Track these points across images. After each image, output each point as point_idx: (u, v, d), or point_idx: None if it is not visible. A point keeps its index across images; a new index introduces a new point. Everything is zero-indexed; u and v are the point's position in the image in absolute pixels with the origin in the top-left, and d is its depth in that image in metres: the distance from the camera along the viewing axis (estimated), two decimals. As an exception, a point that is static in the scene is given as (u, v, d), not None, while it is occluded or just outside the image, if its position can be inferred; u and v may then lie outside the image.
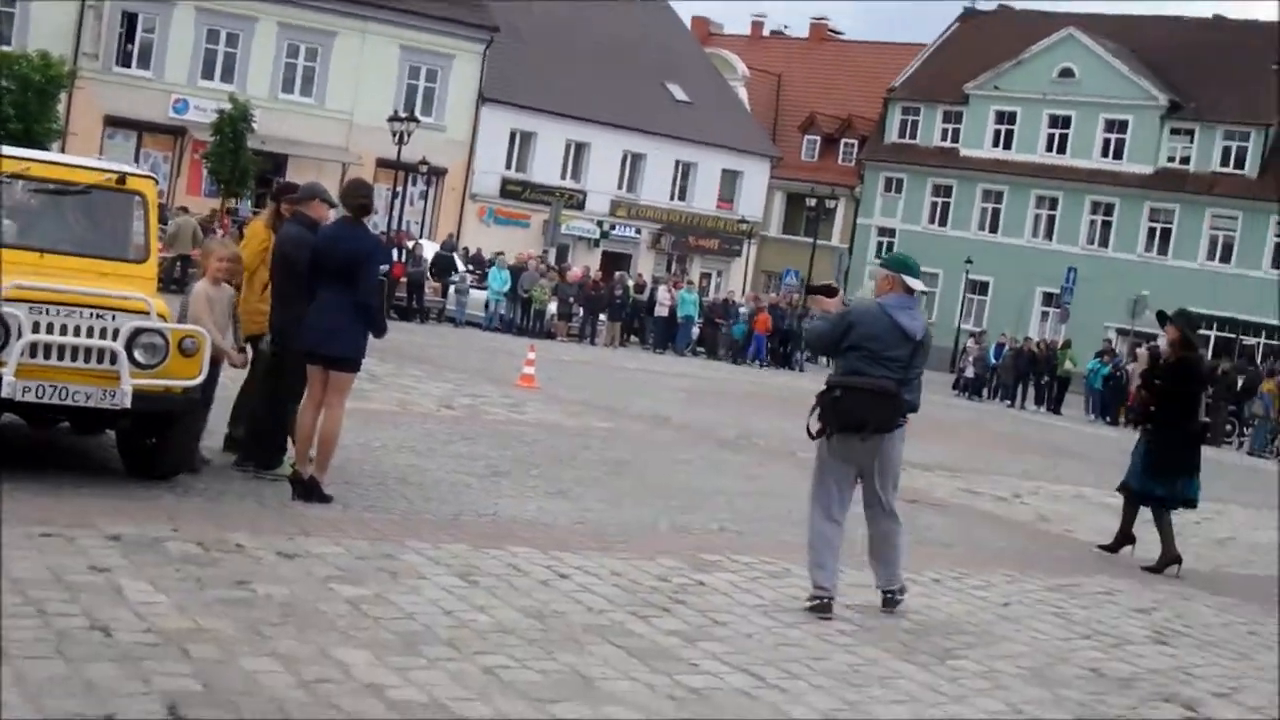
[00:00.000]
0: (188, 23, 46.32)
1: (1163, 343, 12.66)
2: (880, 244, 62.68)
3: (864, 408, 8.59)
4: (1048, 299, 56.38)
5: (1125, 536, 12.66)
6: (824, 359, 41.02)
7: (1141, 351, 12.79)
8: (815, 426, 8.76)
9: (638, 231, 56.79)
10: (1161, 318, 12.87)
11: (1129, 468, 12.61)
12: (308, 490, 9.71)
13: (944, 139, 62.23)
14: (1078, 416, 37.14)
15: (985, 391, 41.67)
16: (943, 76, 63.03)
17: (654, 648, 7.21)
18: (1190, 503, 12.45)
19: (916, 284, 8.91)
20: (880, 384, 8.62)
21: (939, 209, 61.92)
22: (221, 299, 10.23)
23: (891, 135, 64.03)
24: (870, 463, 8.78)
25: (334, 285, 9.66)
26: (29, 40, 42.37)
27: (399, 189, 45.77)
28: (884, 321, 8.66)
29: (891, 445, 8.80)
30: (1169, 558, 12.16)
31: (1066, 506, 16.00)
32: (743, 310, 41.13)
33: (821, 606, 8.58)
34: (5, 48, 41.35)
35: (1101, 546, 12.77)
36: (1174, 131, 55.86)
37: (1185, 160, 55.32)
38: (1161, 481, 12.27)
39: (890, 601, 8.94)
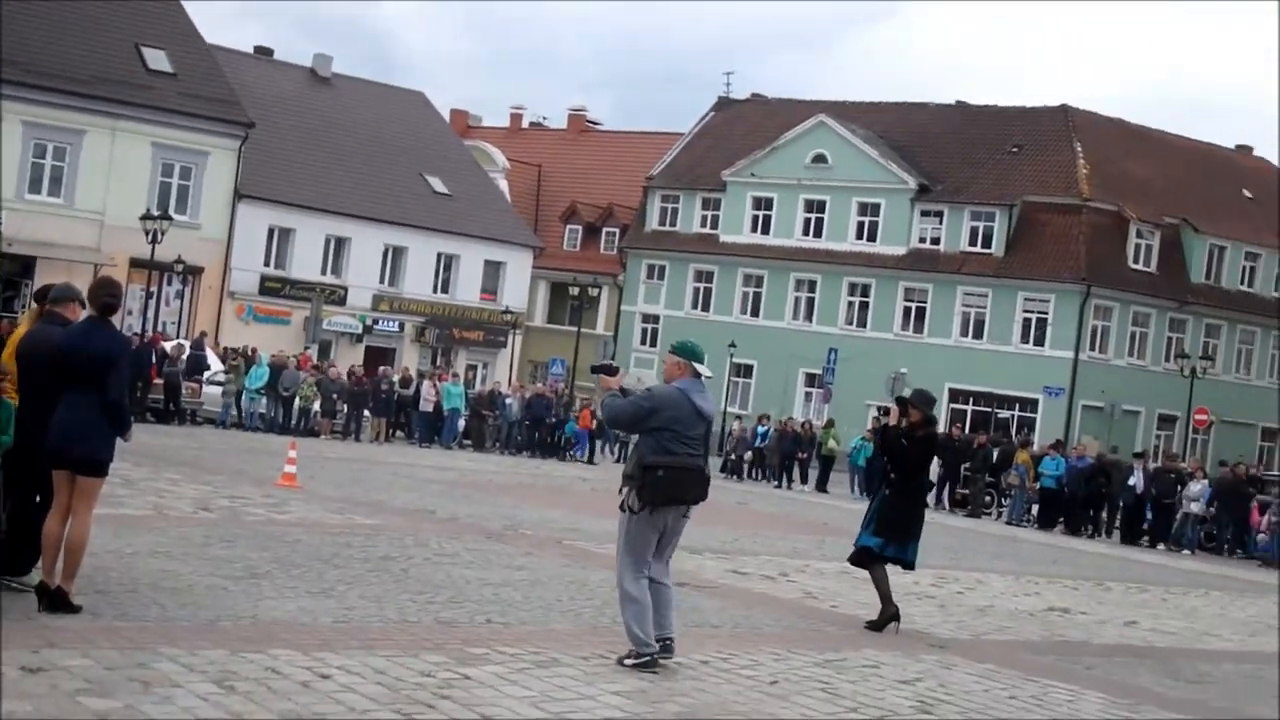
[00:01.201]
0: (-73, 122, 44.74)
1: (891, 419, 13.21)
2: (644, 330, 63.34)
3: (685, 484, 9.74)
4: (810, 379, 57.47)
5: (891, 613, 12.86)
6: (581, 453, 41.53)
7: (893, 410, 13.17)
8: (635, 502, 9.60)
9: (400, 326, 56.38)
10: (901, 403, 13.32)
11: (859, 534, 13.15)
12: (55, 601, 9.31)
13: (703, 225, 63.25)
14: (843, 494, 37.78)
15: (754, 473, 42.19)
16: (700, 164, 64.24)
17: (418, 746, 7.06)
18: (910, 565, 13.15)
19: (704, 370, 10.03)
20: (695, 463, 9.83)
21: (701, 294, 62.80)
22: None
23: (652, 223, 64.86)
24: (669, 534, 9.87)
25: (80, 386, 9.37)
26: None
27: (154, 289, 44.69)
28: (685, 405, 9.76)
29: (681, 518, 9.94)
30: (889, 614, 12.73)
31: (833, 583, 16.19)
32: (509, 401, 41.02)
33: (650, 662, 9.57)
34: None
35: (869, 624, 12.93)
36: (924, 213, 57.58)
37: (936, 240, 57.02)
38: (887, 538, 12.87)
39: (667, 648, 9.74)
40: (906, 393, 13.86)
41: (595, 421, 41.33)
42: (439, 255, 57.27)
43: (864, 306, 58.50)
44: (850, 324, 58.30)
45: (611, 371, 10.29)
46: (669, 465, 9.66)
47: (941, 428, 41.98)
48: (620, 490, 9.83)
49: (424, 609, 11.17)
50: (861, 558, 13.08)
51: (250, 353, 39.24)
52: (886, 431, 13.29)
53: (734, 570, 16.33)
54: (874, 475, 37.39)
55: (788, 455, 41.09)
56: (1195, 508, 32.57)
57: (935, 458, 13.89)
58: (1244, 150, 67.06)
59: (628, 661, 9.64)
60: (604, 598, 12.51)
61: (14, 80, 44.76)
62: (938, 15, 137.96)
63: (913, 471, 13.14)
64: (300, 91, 58.46)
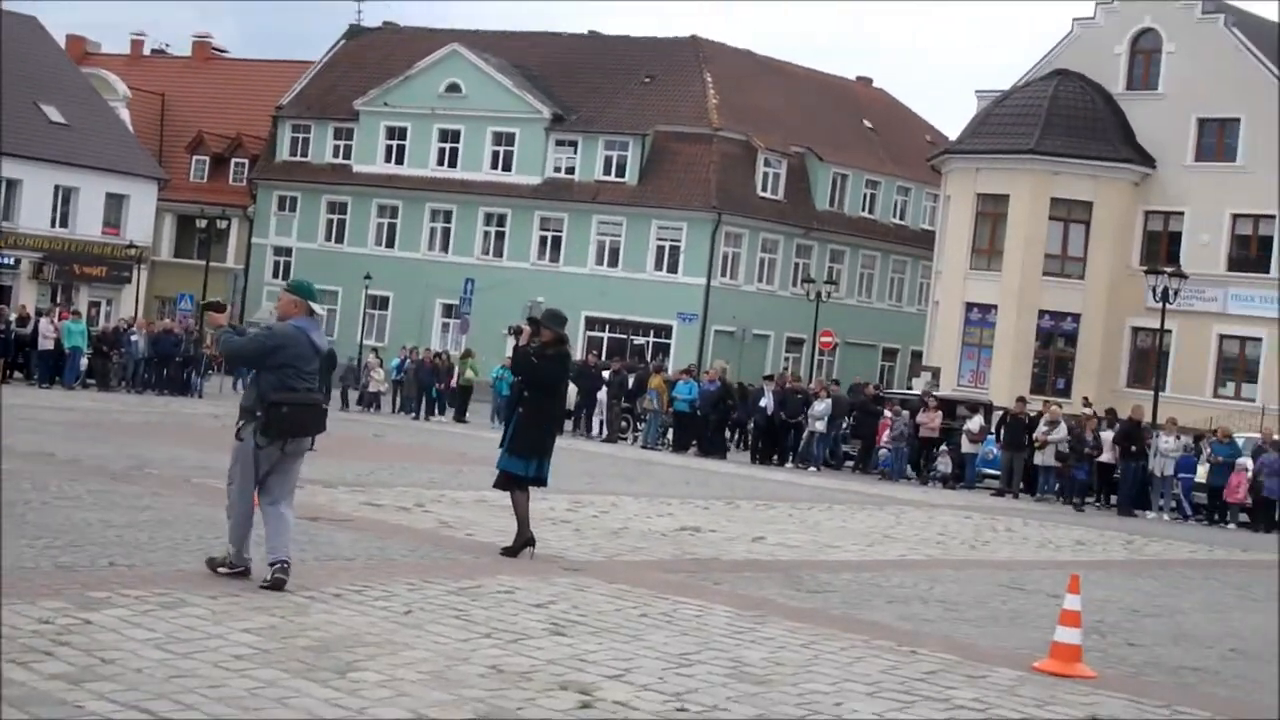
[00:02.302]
0: None
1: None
2: (277, 264, 62.10)
3: (307, 420, 10.35)
4: (448, 310, 57.33)
5: (527, 537, 13.02)
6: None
7: (525, 330, 13.28)
8: (261, 438, 10.10)
9: (16, 263, 53.78)
10: (533, 322, 13.41)
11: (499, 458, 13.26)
12: None
13: (336, 155, 62.26)
14: (483, 424, 37.94)
15: (388, 405, 41.98)
16: (332, 93, 63.15)
17: (35, 694, 6.80)
18: (542, 481, 13.31)
19: (319, 308, 10.74)
20: (315, 398, 10.56)
21: (335, 226, 61.90)
22: None
23: (283, 153, 63.52)
24: (289, 461, 10.37)
25: None
26: None
27: None
28: (304, 341, 10.33)
29: (300, 448, 10.52)
30: (524, 539, 12.94)
31: (469, 512, 16.27)
32: (135, 338, 39.64)
33: (245, 572, 10.29)
34: None
35: (504, 550, 13.03)
36: (559, 143, 57.98)
37: (570, 170, 57.51)
38: (523, 458, 13.02)
39: (284, 570, 10.07)
40: (539, 313, 13.89)
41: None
42: (56, 188, 54.83)
43: (500, 236, 58.65)
44: (487, 254, 58.37)
45: (220, 309, 10.88)
46: (292, 402, 10.20)
47: (578, 355, 42.66)
48: (237, 423, 10.39)
49: (42, 554, 10.72)
50: (505, 481, 13.16)
51: None
52: (518, 351, 13.35)
53: (369, 503, 16.23)
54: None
55: (424, 386, 41.00)
56: (819, 426, 33.92)
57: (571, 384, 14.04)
58: (864, 81, 69.69)
59: (221, 570, 10.34)
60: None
61: None
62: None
63: (546, 390, 13.25)
64: (-104, 15, 54.91)
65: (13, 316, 38.41)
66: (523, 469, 13.01)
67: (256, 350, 10.36)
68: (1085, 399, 39.95)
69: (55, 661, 7.45)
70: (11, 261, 53.53)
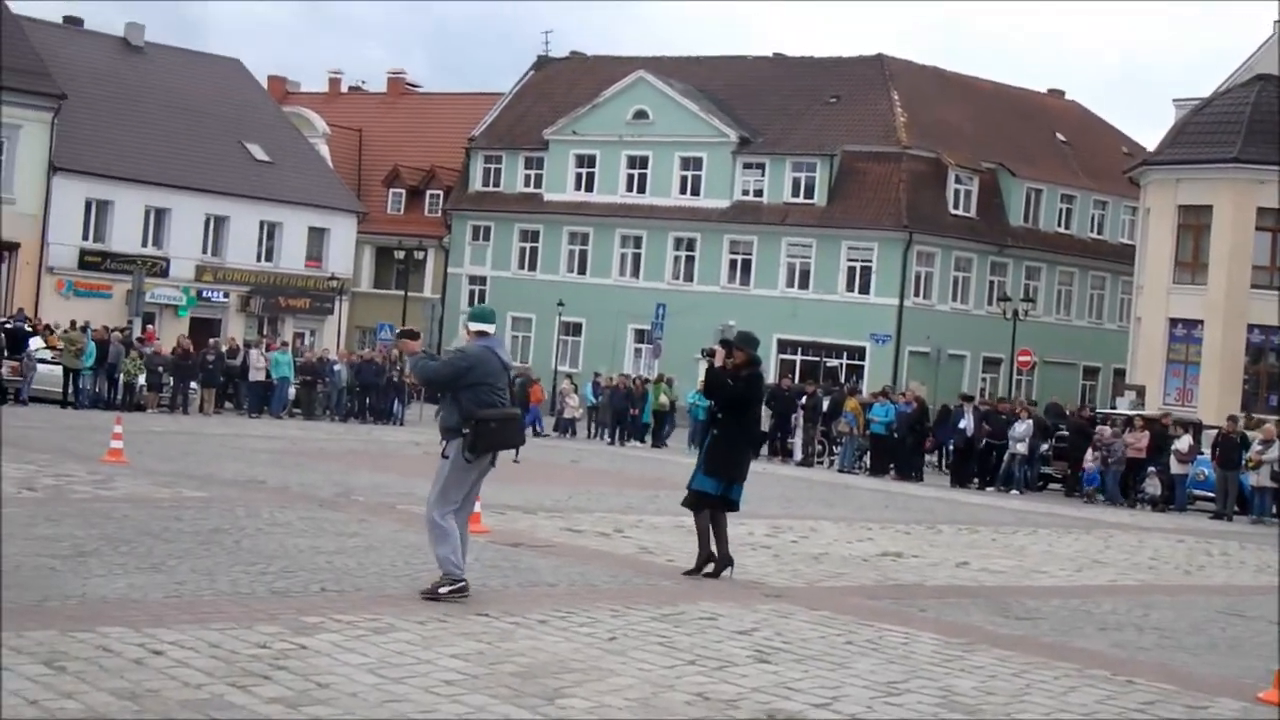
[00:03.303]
0: None
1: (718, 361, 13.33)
2: (472, 293, 62.98)
3: (509, 432, 10.91)
4: (640, 335, 57.61)
5: (706, 556, 13.12)
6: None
7: (718, 352, 13.29)
8: (468, 452, 10.60)
9: (225, 295, 55.49)
10: (725, 344, 13.43)
11: (690, 478, 13.34)
12: None
13: (527, 184, 63.02)
14: (680, 449, 38.00)
15: (586, 430, 42.30)
16: (521, 124, 63.98)
17: (254, 718, 6.96)
18: (733, 504, 13.28)
19: (489, 328, 11.14)
20: (515, 411, 11.24)
21: (527, 254, 62.63)
22: None
23: (475, 184, 64.49)
24: (479, 480, 11.02)
25: None
26: None
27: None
28: (493, 360, 10.89)
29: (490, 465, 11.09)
30: (704, 558, 13.08)
31: (668, 537, 16.28)
32: (338, 368, 40.56)
33: (464, 588, 10.59)
34: None
35: (687, 572, 13.15)
36: (746, 166, 57.96)
37: (759, 193, 57.44)
38: (715, 478, 13.08)
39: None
40: (731, 336, 13.88)
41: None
42: (262, 223, 56.46)
43: (689, 260, 58.76)
44: (677, 278, 58.55)
45: (414, 336, 11.39)
46: (497, 416, 10.75)
47: (771, 378, 42.54)
48: (440, 443, 10.90)
49: (257, 580, 11.01)
50: (695, 500, 13.21)
51: (83, 327, 38.08)
52: (711, 373, 13.35)
53: (568, 528, 16.35)
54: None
55: (620, 412, 41.22)
56: (1020, 448, 33.29)
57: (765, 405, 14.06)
58: (1056, 94, 68.55)
59: (442, 590, 10.53)
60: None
61: None
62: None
63: (739, 412, 13.25)
64: (113, 61, 57.04)
65: (223, 348, 39.56)
66: (713, 488, 13.07)
67: (450, 372, 10.87)
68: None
69: (273, 685, 7.61)
70: (221, 295, 55.20)
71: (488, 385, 10.78)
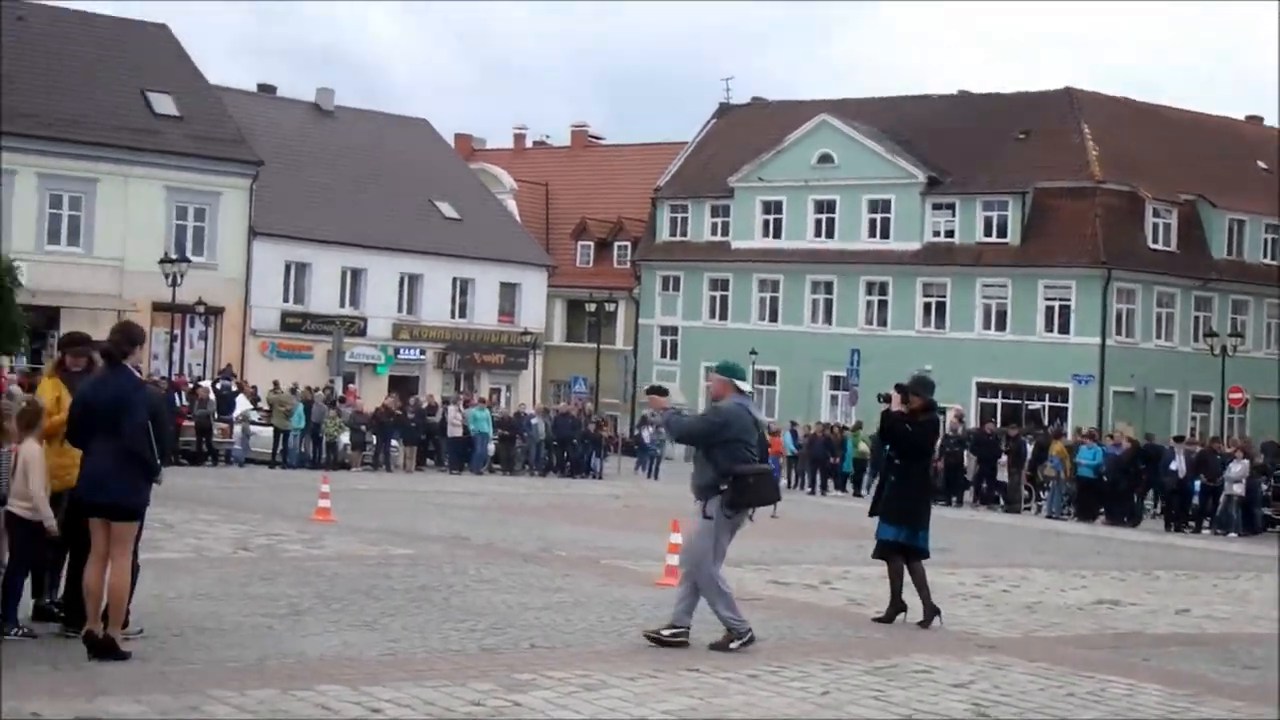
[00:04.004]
0: (-58, 180, 44.89)
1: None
2: (664, 343, 63.16)
3: (769, 487, 11.27)
4: (835, 382, 57.15)
5: (898, 605, 13.06)
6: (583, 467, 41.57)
7: (894, 397, 13.17)
8: (727, 509, 10.82)
9: (421, 352, 56.42)
10: (901, 389, 13.31)
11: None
12: (103, 649, 9.31)
13: (714, 233, 63.04)
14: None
15: (786, 480, 42.01)
16: (706, 172, 64.05)
17: (475, 780, 6.95)
18: (921, 550, 13.20)
19: (746, 386, 11.46)
20: (770, 467, 11.86)
21: (718, 302, 62.60)
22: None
23: (663, 234, 64.72)
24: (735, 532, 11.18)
25: (102, 434, 9.43)
26: None
27: (177, 331, 44.79)
28: (747, 417, 11.10)
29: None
30: (930, 610, 12.92)
31: (876, 588, 15.95)
32: (535, 422, 40.95)
33: (751, 639, 10.90)
34: None
35: (877, 618, 13.10)
36: (935, 206, 57.32)
37: (950, 233, 56.72)
38: (895, 525, 13.04)
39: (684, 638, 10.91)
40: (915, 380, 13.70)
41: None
42: (454, 280, 57.35)
43: (882, 305, 58.21)
44: (870, 323, 58.00)
45: (663, 392, 11.87)
46: (755, 472, 11.03)
47: (972, 422, 41.85)
48: (698, 501, 11.04)
49: (468, 637, 11.07)
50: (882, 550, 13.24)
51: (303, 390, 38.96)
52: (888, 417, 13.29)
53: (775, 581, 16.19)
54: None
55: (819, 460, 40.86)
56: (1237, 489, 32.23)
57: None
58: (1255, 120, 66.64)
59: (733, 645, 10.80)
60: (646, 616, 12.40)
61: (25, 133, 45.09)
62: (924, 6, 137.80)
63: (917, 457, 13.26)
64: (306, 126, 58.66)
65: (423, 405, 40.19)
66: (893, 535, 13.06)
67: (706, 429, 11.16)
68: None
69: (491, 746, 7.60)
70: (417, 353, 56.15)
71: (742, 443, 10.95)
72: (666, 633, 10.94)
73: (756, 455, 11.16)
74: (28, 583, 10.33)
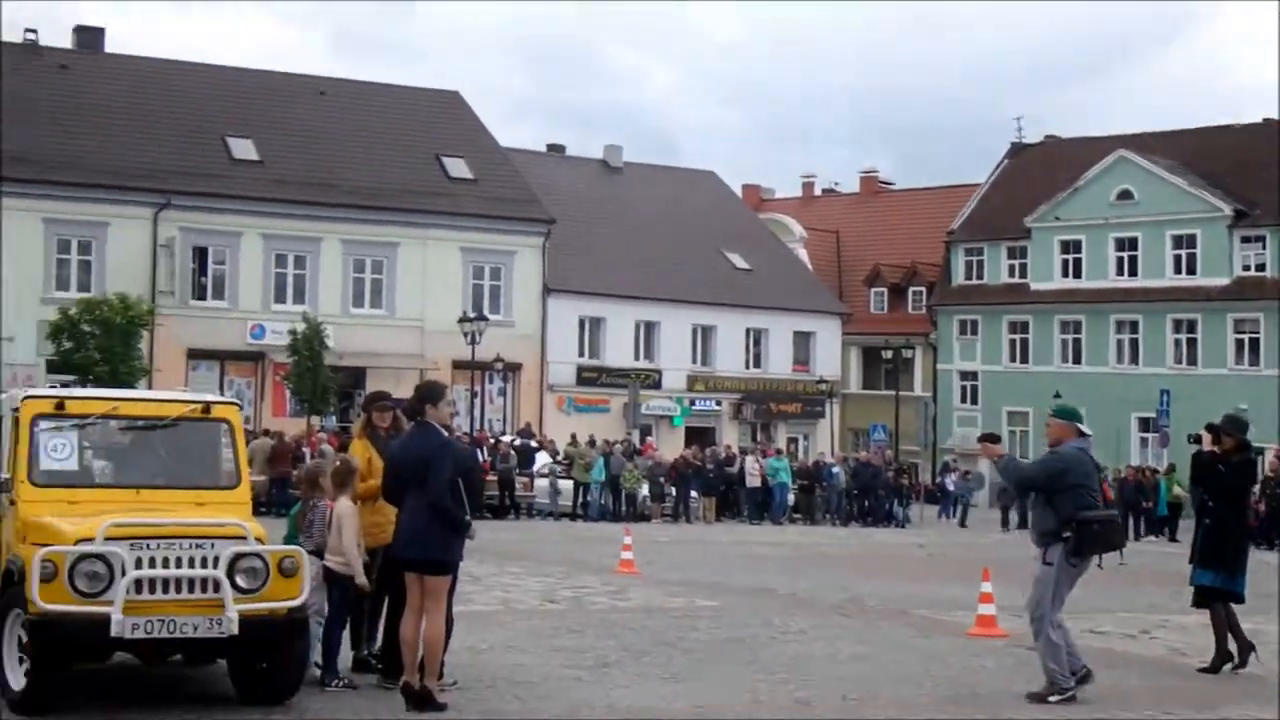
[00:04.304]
0: (256, 250, 47.06)
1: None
2: (964, 388, 62.06)
3: (1115, 533, 11.19)
4: (1144, 424, 55.24)
5: (1224, 654, 12.62)
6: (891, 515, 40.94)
7: (1206, 437, 12.70)
8: (1071, 556, 10.66)
9: (717, 403, 56.63)
10: (1212, 429, 12.97)
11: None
12: (420, 700, 9.53)
13: (1012, 275, 61.84)
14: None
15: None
16: (1001, 213, 62.81)
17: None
18: (1237, 596, 12.77)
19: (1085, 428, 11.31)
20: (1112, 513, 11.47)
21: (1018, 345, 61.28)
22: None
23: (958, 278, 63.71)
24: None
25: (414, 491, 9.62)
26: (107, 284, 43.01)
27: (477, 388, 45.95)
28: (1087, 462, 11.00)
29: None
30: (1245, 646, 12.57)
31: (1198, 638, 15.23)
32: (835, 471, 40.66)
33: (1072, 697, 10.60)
34: (86, 294, 41.89)
35: (1202, 669, 12.64)
36: (1244, 239, 55.25)
37: (1260, 267, 54.58)
38: (1212, 570, 12.66)
39: (1087, 677, 10.83)
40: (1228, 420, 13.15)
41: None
42: (748, 330, 57.44)
43: (1191, 343, 56.22)
44: (1179, 362, 56.05)
45: (995, 439, 11.62)
46: (1101, 519, 10.88)
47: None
48: (1039, 547, 10.89)
49: (778, 689, 10.94)
50: (1200, 597, 12.86)
51: (601, 443, 39.50)
52: (1200, 458, 12.86)
53: (1091, 629, 15.59)
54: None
55: (1131, 504, 39.52)
56: None
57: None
58: None
59: (1052, 699, 10.57)
60: (959, 668, 12.11)
61: (333, 203, 47.39)
62: (1230, 30, 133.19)
63: (1231, 499, 12.84)
64: (595, 183, 59.70)
65: (720, 456, 40.30)
66: (1210, 580, 12.68)
67: (1045, 474, 10.99)
68: None
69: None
70: (712, 404, 56.39)
71: (1084, 488, 10.77)
72: (1053, 698, 10.65)
73: (1098, 500, 10.92)
74: (346, 635, 10.62)
